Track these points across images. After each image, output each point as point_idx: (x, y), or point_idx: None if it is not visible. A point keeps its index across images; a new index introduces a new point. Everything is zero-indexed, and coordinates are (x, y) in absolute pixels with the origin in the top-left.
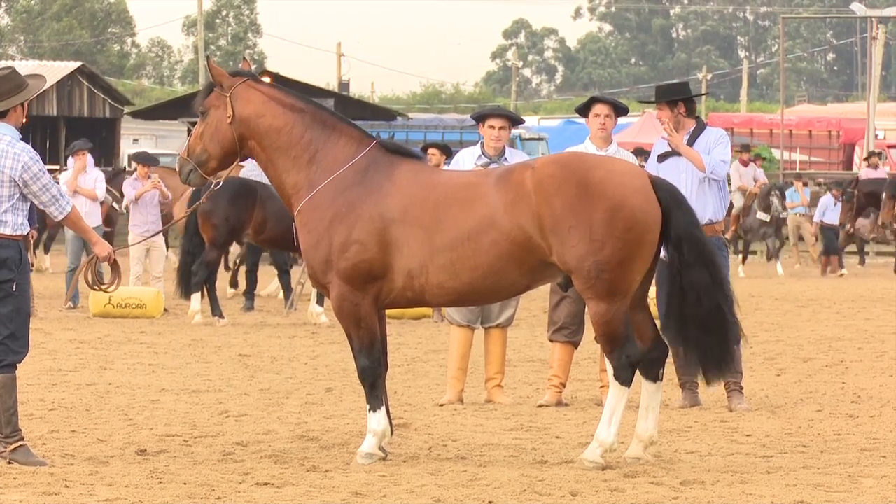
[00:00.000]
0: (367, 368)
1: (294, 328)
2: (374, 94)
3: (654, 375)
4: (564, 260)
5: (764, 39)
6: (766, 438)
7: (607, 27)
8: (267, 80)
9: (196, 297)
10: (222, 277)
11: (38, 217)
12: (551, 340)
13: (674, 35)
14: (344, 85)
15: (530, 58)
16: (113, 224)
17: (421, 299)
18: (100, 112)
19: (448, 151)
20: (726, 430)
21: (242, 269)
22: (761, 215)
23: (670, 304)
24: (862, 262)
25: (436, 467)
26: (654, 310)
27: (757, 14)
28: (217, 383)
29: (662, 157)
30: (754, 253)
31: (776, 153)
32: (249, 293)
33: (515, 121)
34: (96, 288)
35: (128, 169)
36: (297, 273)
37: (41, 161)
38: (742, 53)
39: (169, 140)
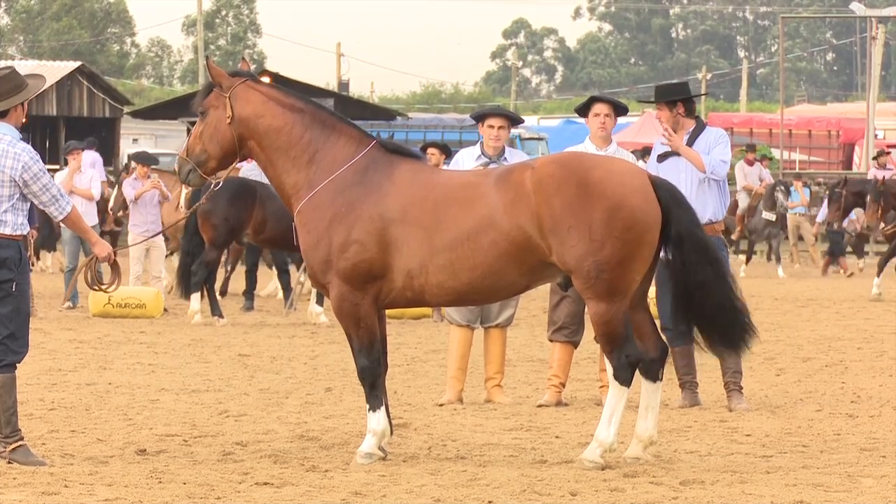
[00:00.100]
0: (366, 368)
1: (294, 328)
2: (373, 94)
3: (653, 375)
4: (564, 260)
5: (763, 39)
6: (766, 438)
7: (607, 27)
8: (266, 80)
9: (196, 296)
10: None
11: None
12: (551, 340)
13: (673, 35)
14: (344, 85)
15: (530, 58)
16: (121, 224)
17: (420, 299)
18: (99, 112)
19: (447, 151)
20: (726, 429)
21: (237, 271)
22: (766, 215)
23: (677, 307)
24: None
25: (435, 467)
26: (653, 310)
27: (756, 14)
28: (217, 383)
29: (662, 157)
30: (755, 253)
31: (776, 153)
32: (249, 293)
33: (515, 120)
34: (96, 288)
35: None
36: (297, 273)
37: (41, 161)
38: (742, 53)
39: (168, 140)
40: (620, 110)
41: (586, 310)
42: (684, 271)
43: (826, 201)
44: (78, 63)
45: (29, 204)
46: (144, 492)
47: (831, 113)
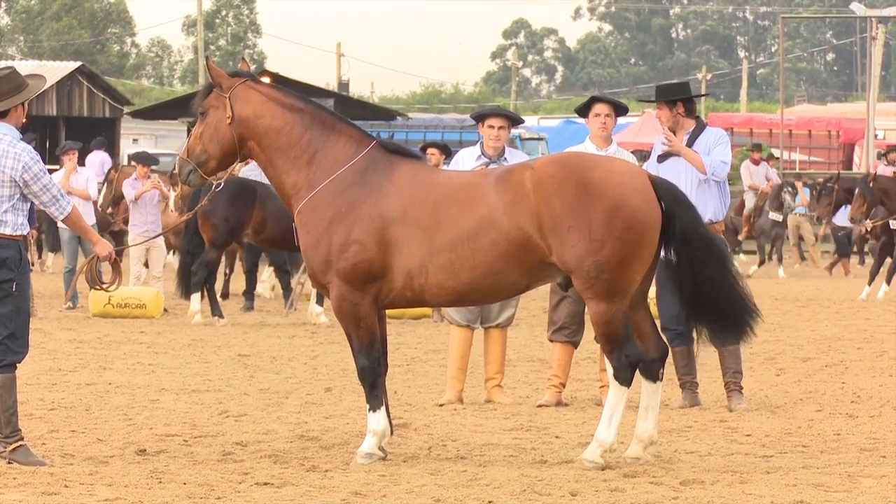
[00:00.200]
0: (366, 368)
1: (294, 328)
2: (373, 94)
3: (653, 375)
4: (564, 260)
5: (763, 39)
6: (766, 438)
7: (607, 27)
8: (266, 80)
9: (196, 297)
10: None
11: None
12: (551, 340)
13: (673, 35)
14: (344, 85)
15: (530, 58)
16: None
17: (420, 299)
18: (99, 112)
19: (447, 151)
20: (726, 430)
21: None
22: (773, 215)
23: (686, 305)
24: (861, 261)
25: (435, 467)
26: (654, 310)
27: (757, 14)
28: (217, 383)
29: (662, 158)
30: (754, 252)
31: (776, 153)
32: (249, 293)
33: (515, 120)
34: (97, 287)
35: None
36: (297, 273)
37: (41, 161)
38: (742, 53)
39: (169, 140)
40: (620, 110)
41: (586, 310)
42: (692, 270)
43: (817, 196)
44: (78, 63)
45: (29, 204)
46: (144, 492)
47: (831, 113)
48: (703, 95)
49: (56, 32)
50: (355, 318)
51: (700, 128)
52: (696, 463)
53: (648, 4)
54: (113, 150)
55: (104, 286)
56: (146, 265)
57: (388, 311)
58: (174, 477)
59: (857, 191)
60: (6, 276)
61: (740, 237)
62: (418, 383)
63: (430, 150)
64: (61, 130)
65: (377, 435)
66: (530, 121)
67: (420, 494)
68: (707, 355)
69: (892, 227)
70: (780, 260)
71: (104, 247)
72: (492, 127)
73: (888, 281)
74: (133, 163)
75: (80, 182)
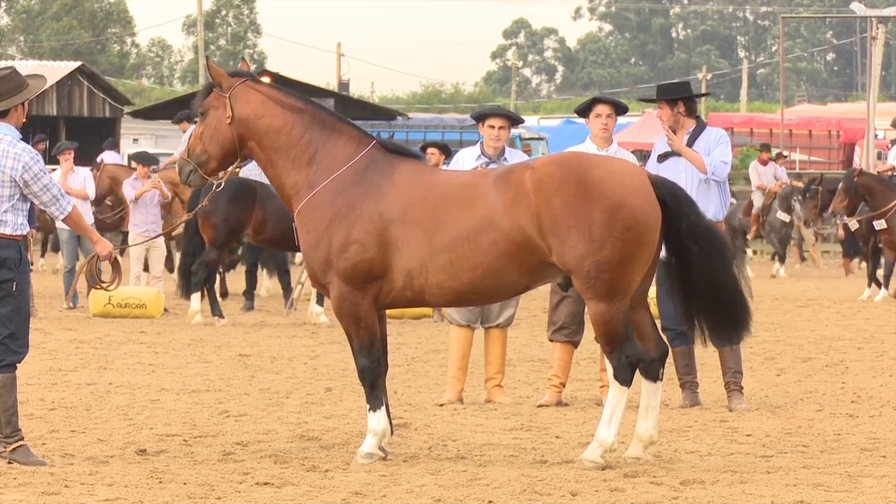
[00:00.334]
0: (366, 368)
1: (294, 328)
2: (374, 94)
3: (653, 375)
4: (564, 260)
5: (764, 39)
6: (766, 438)
7: (607, 27)
8: (267, 79)
9: (196, 296)
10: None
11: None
12: (551, 340)
13: (674, 35)
14: (344, 85)
15: (530, 58)
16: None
17: (421, 299)
18: (100, 112)
19: (447, 151)
20: (726, 429)
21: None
22: (781, 215)
23: (689, 301)
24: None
25: (436, 467)
26: (654, 310)
27: (757, 14)
28: (217, 383)
29: (662, 158)
30: (755, 252)
31: (785, 152)
32: (249, 293)
33: (515, 120)
34: (97, 286)
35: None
36: (297, 273)
37: (42, 161)
38: (742, 53)
39: (169, 140)
40: (621, 110)
41: (586, 310)
42: (705, 262)
43: (801, 200)
44: (78, 63)
45: (29, 204)
46: (145, 492)
47: (831, 113)
48: (703, 95)
49: (56, 32)
50: (355, 318)
51: (700, 128)
52: (696, 463)
53: (649, 4)
54: (112, 150)
55: (104, 285)
56: (146, 268)
57: (388, 311)
58: (174, 477)
59: (840, 185)
60: (6, 275)
61: (749, 236)
62: (418, 383)
63: (430, 150)
64: (61, 130)
65: (377, 435)
66: (530, 121)
67: (420, 494)
68: (707, 355)
69: (876, 227)
70: (782, 260)
71: (104, 246)
72: (492, 127)
73: (886, 285)
74: (133, 163)
75: (77, 182)
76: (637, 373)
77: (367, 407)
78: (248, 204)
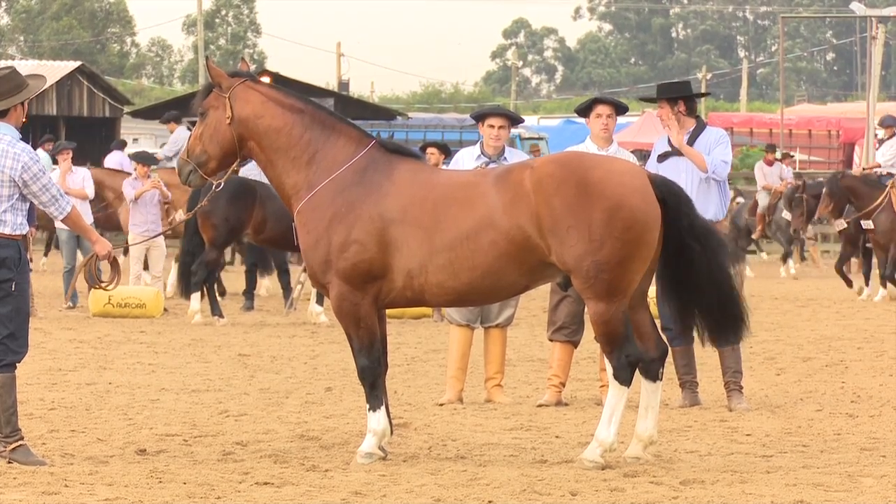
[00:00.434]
0: (366, 368)
1: (294, 328)
2: (373, 93)
3: (653, 375)
4: (563, 260)
5: (764, 39)
6: (766, 438)
7: (607, 27)
8: (266, 79)
9: (196, 296)
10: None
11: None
12: (551, 340)
13: (673, 35)
14: (344, 85)
15: (530, 57)
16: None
17: (420, 299)
18: (100, 112)
19: (447, 151)
20: (726, 429)
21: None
22: (786, 214)
23: (687, 300)
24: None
25: (436, 467)
26: (653, 309)
27: (757, 14)
28: (217, 383)
29: (662, 158)
30: (753, 252)
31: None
32: (249, 293)
33: (515, 120)
34: (96, 286)
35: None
36: (297, 273)
37: (41, 161)
38: (742, 53)
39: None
40: (621, 110)
41: (586, 310)
42: (706, 261)
43: (787, 207)
44: (78, 63)
45: (28, 204)
46: (145, 491)
47: (831, 113)
48: (704, 95)
49: (56, 32)
50: (355, 318)
51: (700, 127)
52: (696, 462)
53: (649, 4)
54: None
55: (103, 285)
56: (146, 268)
57: (388, 311)
58: (174, 477)
59: (824, 190)
60: (6, 275)
61: (754, 236)
62: (418, 383)
63: (429, 150)
64: (61, 130)
65: (377, 434)
66: (530, 121)
67: (420, 494)
68: (707, 355)
69: (864, 227)
70: (784, 260)
71: (103, 246)
72: (492, 126)
73: (883, 284)
74: (133, 162)
75: (76, 182)
76: (637, 372)
77: (367, 407)
78: (248, 204)
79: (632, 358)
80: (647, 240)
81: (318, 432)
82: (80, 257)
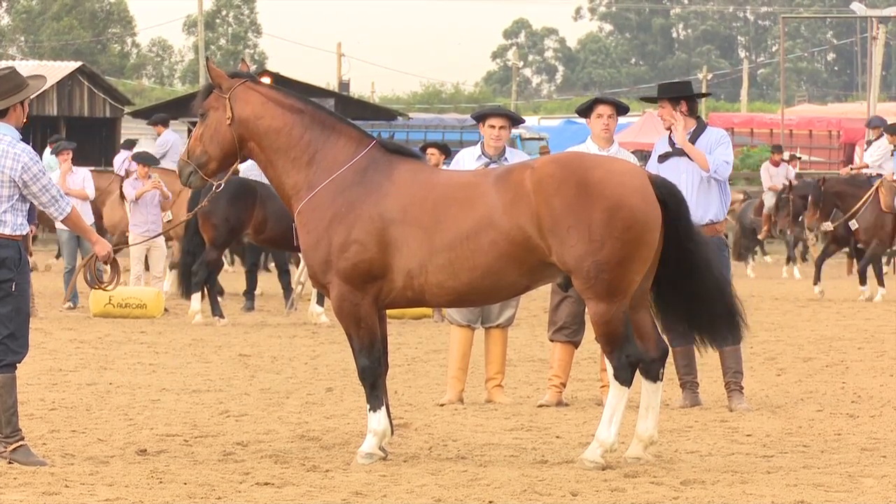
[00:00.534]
0: (367, 368)
1: (294, 328)
2: (374, 94)
3: (654, 375)
4: (563, 260)
5: (764, 39)
6: (767, 438)
7: (607, 27)
8: (267, 80)
9: (196, 296)
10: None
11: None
12: (552, 340)
13: (674, 35)
14: (344, 85)
15: (530, 58)
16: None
17: (421, 299)
18: (100, 112)
19: (447, 151)
20: (726, 429)
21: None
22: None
23: (698, 300)
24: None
25: (436, 467)
26: None
27: (757, 14)
28: (217, 383)
29: (663, 158)
30: (754, 253)
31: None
32: (249, 293)
33: (515, 120)
34: (96, 286)
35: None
36: (297, 273)
37: (41, 162)
38: (742, 53)
39: None
40: (622, 110)
41: (587, 310)
42: (705, 261)
43: (775, 210)
44: (78, 63)
45: (28, 204)
46: (145, 492)
47: (832, 113)
48: (704, 95)
49: (56, 32)
50: (356, 318)
51: (701, 128)
52: (696, 463)
53: (649, 4)
54: (113, 150)
55: (103, 285)
56: (146, 268)
57: (388, 311)
58: (175, 477)
59: (809, 199)
60: (6, 275)
61: (759, 236)
62: (419, 383)
63: (429, 150)
64: (62, 130)
65: (378, 435)
66: (531, 121)
67: (421, 494)
68: (707, 355)
69: (851, 227)
70: (787, 260)
71: (103, 246)
72: (492, 127)
73: (882, 283)
74: (133, 163)
75: (76, 182)
76: (637, 373)
77: (368, 407)
78: (248, 204)
79: (632, 358)
80: (648, 240)
81: (319, 433)
82: (80, 258)
